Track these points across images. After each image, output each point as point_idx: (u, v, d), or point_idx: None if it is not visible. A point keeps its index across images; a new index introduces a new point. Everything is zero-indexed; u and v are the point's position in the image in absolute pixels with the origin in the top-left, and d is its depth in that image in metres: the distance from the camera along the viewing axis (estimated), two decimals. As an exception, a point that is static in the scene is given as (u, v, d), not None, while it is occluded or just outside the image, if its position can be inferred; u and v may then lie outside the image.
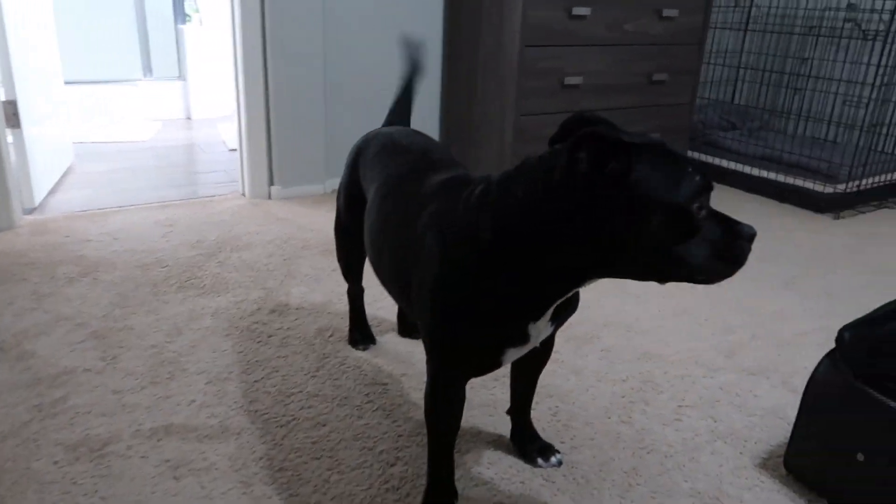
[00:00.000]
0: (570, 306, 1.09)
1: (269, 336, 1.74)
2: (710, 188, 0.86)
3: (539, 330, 1.02)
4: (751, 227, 0.88)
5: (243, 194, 2.87)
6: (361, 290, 1.69)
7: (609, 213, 0.82)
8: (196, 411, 1.43)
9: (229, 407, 1.45)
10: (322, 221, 2.57)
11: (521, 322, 0.99)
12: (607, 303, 1.99)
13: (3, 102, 2.41)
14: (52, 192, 2.83)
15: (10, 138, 2.43)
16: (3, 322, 1.77)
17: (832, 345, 1.20)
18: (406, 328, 1.76)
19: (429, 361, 1.08)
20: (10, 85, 2.43)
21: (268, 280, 2.07)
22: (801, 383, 1.55)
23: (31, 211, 2.58)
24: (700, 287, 2.08)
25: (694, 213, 0.83)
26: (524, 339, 1.01)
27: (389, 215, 1.18)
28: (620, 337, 1.80)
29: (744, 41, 3.66)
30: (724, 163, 3.24)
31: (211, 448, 1.32)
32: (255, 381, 1.54)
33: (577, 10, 2.54)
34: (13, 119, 2.45)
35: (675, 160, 0.84)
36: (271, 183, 2.84)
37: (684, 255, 0.84)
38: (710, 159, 3.30)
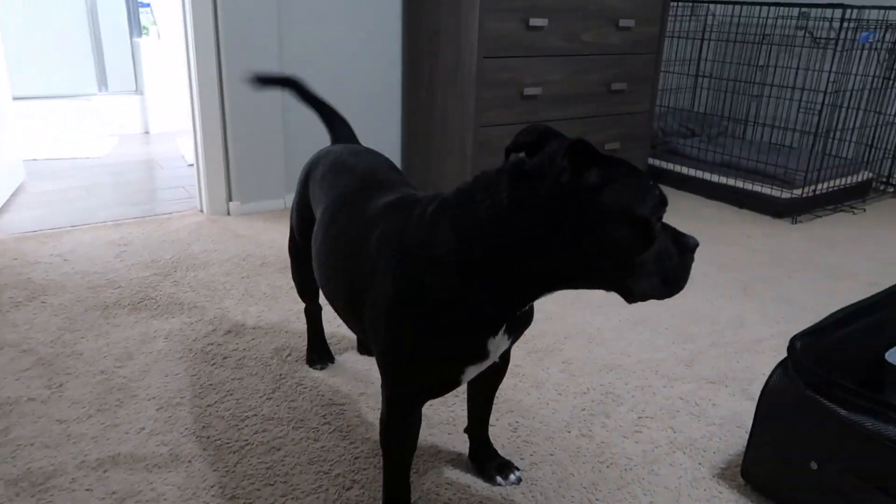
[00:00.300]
0: (526, 319, 1.08)
1: (225, 358, 1.70)
2: (666, 203, 0.89)
3: (497, 344, 1.01)
4: (694, 239, 0.92)
5: (201, 211, 2.81)
6: (319, 308, 1.66)
7: (582, 223, 0.85)
8: (145, 439, 1.38)
9: (180, 434, 1.41)
10: (282, 237, 2.53)
11: (482, 337, 0.97)
12: (570, 314, 1.98)
13: (-54, 121, 2.34)
14: (0, 212, 2.75)
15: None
16: (-57, 351, 1.70)
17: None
18: (366, 346, 1.73)
19: (384, 384, 1.06)
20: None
21: (224, 299, 2.02)
22: (759, 391, 1.56)
23: (-22, 233, 2.49)
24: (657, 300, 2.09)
25: (654, 224, 0.87)
26: (484, 354, 1.00)
27: (336, 238, 1.16)
28: (582, 348, 1.79)
29: (701, 49, 3.72)
30: (685, 169, 3.27)
31: (160, 478, 1.28)
32: (209, 406, 1.50)
33: (535, 22, 2.55)
34: (-43, 138, 2.38)
35: (640, 175, 0.88)
36: (230, 199, 2.79)
37: (642, 265, 0.88)
38: (670, 166, 3.34)
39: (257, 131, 2.72)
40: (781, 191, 2.92)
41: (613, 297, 2.09)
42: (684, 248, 0.91)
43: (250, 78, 1.53)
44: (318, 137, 2.88)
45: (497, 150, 2.65)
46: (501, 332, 0.99)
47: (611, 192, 0.85)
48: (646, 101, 3.03)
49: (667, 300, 2.06)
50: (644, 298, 0.92)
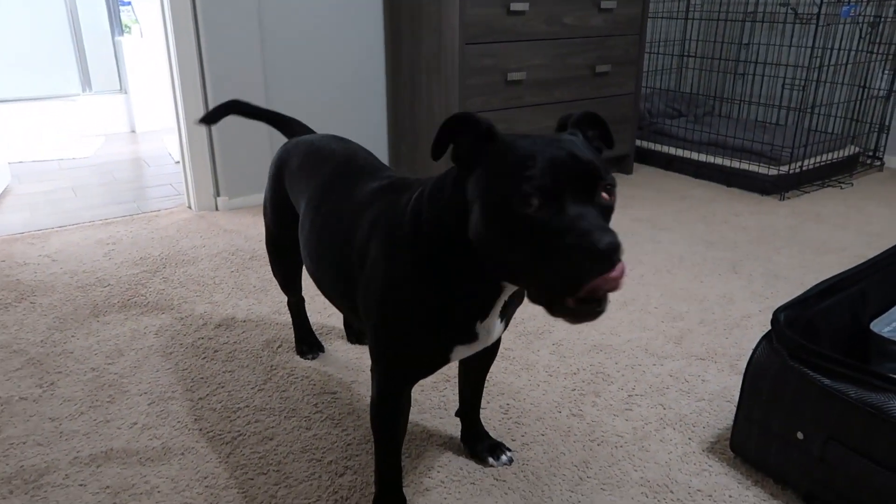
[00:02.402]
0: (517, 301, 1.07)
1: (215, 351, 1.70)
2: (546, 183, 0.84)
3: (488, 329, 1.00)
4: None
5: (189, 207, 2.80)
6: (302, 300, 1.66)
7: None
8: (137, 434, 1.39)
9: (172, 427, 1.41)
10: (270, 230, 2.52)
11: (469, 320, 0.98)
12: (558, 296, 1.98)
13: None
14: (-13, 215, 2.74)
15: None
16: (-67, 354, 1.69)
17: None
18: (354, 334, 1.74)
19: (375, 368, 1.06)
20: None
21: (214, 294, 2.02)
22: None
23: (-36, 236, 2.48)
24: (649, 276, 2.10)
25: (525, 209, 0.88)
26: (472, 336, 1.00)
27: (325, 225, 1.16)
28: (571, 330, 1.80)
29: (685, 29, 3.71)
30: (672, 150, 3.28)
31: (153, 471, 1.28)
32: (200, 399, 1.50)
33: (515, 6, 2.54)
34: (-61, 142, 2.36)
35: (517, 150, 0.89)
36: (217, 194, 2.78)
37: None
38: (657, 147, 3.34)
39: (242, 126, 2.71)
40: (769, 168, 2.93)
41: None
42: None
43: (198, 120, 1.58)
44: (303, 130, 2.87)
45: (483, 136, 2.64)
46: (493, 315, 0.99)
47: (477, 177, 0.84)
48: (630, 83, 3.03)
49: (655, 279, 2.07)
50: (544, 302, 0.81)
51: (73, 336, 1.77)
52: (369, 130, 3.06)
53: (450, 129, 0.86)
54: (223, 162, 2.72)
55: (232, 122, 2.66)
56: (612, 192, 0.81)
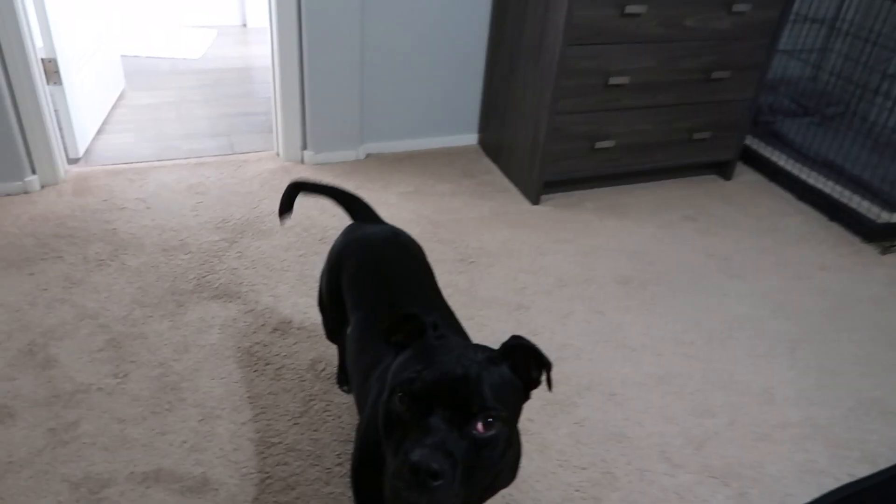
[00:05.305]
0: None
1: (266, 364, 1.87)
2: (413, 381, 0.89)
3: None
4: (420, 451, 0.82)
5: (278, 154, 2.90)
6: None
7: None
8: (185, 455, 1.60)
9: (215, 455, 1.61)
10: (345, 203, 2.60)
11: None
12: (600, 355, 1.99)
13: (44, 60, 2.47)
14: (99, 131, 2.94)
15: (49, 93, 2.51)
16: (36, 314, 1.95)
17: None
18: (347, 382, 1.82)
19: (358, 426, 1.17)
20: (49, 42, 2.47)
21: (279, 284, 2.16)
22: (759, 495, 1.59)
23: (76, 161, 2.70)
24: (699, 343, 2.06)
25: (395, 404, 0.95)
26: None
27: (361, 351, 1.25)
28: (598, 407, 1.83)
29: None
30: (781, 160, 3.00)
31: (190, 503, 1.49)
32: (243, 424, 1.69)
33: (631, 9, 2.32)
34: (55, 76, 2.52)
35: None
36: (304, 147, 2.85)
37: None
38: (767, 152, 3.06)
39: (335, 80, 2.70)
40: (880, 210, 2.64)
41: (648, 341, 2.06)
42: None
43: (280, 216, 1.72)
44: (396, 89, 2.86)
45: (571, 137, 2.53)
46: None
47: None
48: (748, 89, 2.76)
49: (701, 354, 2.01)
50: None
51: (150, 316, 1.98)
52: (463, 102, 2.98)
53: (397, 321, 0.96)
54: (312, 115, 2.76)
55: (326, 73, 2.66)
56: (490, 426, 0.84)
